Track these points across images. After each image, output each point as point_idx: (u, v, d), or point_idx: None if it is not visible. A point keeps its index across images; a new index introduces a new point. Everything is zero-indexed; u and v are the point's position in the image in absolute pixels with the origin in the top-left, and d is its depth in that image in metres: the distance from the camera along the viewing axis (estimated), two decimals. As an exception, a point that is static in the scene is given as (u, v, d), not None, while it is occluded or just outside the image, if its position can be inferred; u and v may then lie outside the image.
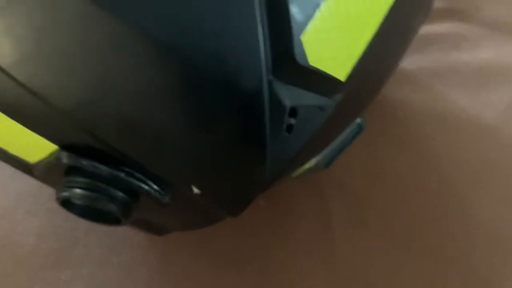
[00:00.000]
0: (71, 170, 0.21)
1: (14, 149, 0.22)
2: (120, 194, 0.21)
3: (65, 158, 0.20)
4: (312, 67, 0.19)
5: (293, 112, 0.20)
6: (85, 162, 0.20)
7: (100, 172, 0.20)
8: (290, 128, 0.20)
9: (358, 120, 0.28)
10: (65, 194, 0.21)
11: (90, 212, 0.22)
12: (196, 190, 0.21)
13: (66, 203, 0.22)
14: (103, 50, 0.17)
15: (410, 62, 0.38)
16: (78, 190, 0.20)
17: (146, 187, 0.21)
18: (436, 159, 0.34)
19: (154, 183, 0.21)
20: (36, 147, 0.21)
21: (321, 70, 0.19)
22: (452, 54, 0.38)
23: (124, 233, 0.33)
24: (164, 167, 0.20)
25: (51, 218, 0.34)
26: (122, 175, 0.20)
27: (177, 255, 0.33)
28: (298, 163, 0.24)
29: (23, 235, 0.34)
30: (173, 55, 0.17)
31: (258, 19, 0.17)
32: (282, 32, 0.18)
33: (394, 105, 0.36)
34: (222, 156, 0.20)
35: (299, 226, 0.33)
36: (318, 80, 0.19)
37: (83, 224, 0.34)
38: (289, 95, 0.19)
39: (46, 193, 0.35)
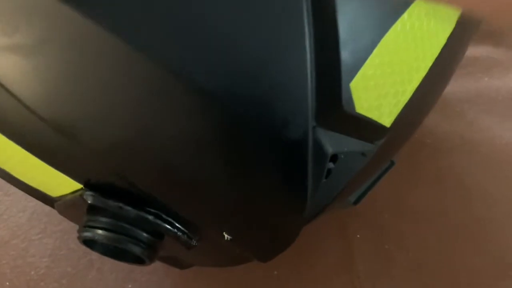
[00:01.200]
0: (94, 209, 0.20)
1: (36, 183, 0.21)
2: (145, 235, 0.19)
3: (90, 198, 0.19)
4: (359, 114, 0.18)
5: (333, 157, 0.19)
6: (111, 203, 0.19)
7: (126, 213, 0.19)
8: (328, 173, 0.19)
9: None
10: (88, 234, 0.20)
11: (113, 252, 0.21)
12: (227, 237, 0.20)
13: (88, 242, 0.21)
14: (143, 94, 0.16)
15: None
16: (101, 232, 0.19)
17: (174, 230, 0.20)
18: (465, 191, 0.33)
19: (182, 226, 0.20)
20: (59, 184, 0.20)
21: (367, 118, 0.18)
22: (483, 79, 0.36)
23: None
24: (197, 213, 0.19)
25: (65, 240, 0.33)
26: (150, 217, 0.19)
27: (192, 285, 0.32)
28: (332, 207, 0.24)
29: (36, 256, 0.33)
30: (218, 104, 0.16)
31: (309, 67, 0.16)
32: (331, 78, 0.17)
33: (422, 132, 0.35)
34: (259, 204, 0.19)
35: (320, 259, 0.32)
36: (362, 127, 0.19)
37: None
38: (331, 141, 0.18)
39: (59, 215, 0.34)
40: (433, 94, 0.24)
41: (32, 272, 0.32)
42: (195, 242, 0.20)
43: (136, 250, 0.20)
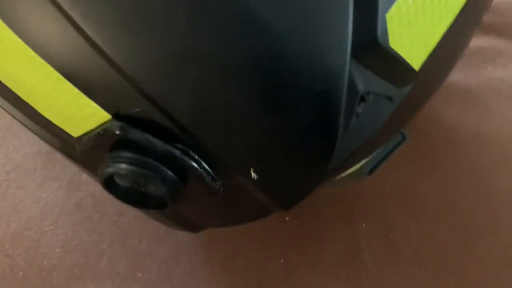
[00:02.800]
0: (119, 145, 0.19)
1: (59, 119, 0.20)
2: (170, 173, 0.19)
3: (117, 128, 0.18)
4: (392, 50, 0.18)
5: (361, 99, 0.19)
6: (138, 134, 0.18)
7: (153, 147, 0.18)
8: (356, 116, 0.19)
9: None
10: (110, 170, 0.19)
11: (134, 195, 0.20)
12: (254, 175, 0.20)
13: (109, 183, 0.20)
14: (187, 13, 0.16)
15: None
16: (125, 166, 0.18)
17: (200, 169, 0.19)
18: (472, 180, 0.33)
19: (209, 166, 0.19)
20: (84, 117, 0.19)
21: (399, 55, 0.18)
22: (486, 69, 0.37)
23: (149, 247, 0.33)
24: (227, 146, 0.19)
25: (76, 231, 0.34)
26: (178, 153, 0.18)
27: (202, 272, 0.32)
28: (354, 160, 0.24)
29: (48, 247, 0.33)
30: (261, 28, 0.16)
31: None
32: (368, 7, 0.17)
33: (427, 122, 0.35)
34: (290, 140, 0.19)
35: (327, 248, 0.32)
36: (393, 67, 0.19)
37: (109, 237, 0.33)
38: (362, 79, 0.18)
39: (72, 204, 0.35)
40: (456, 49, 0.25)
41: (45, 262, 0.33)
42: (219, 185, 0.20)
43: (160, 188, 0.19)
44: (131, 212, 0.34)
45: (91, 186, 0.35)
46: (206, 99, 0.17)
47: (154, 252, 0.33)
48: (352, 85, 0.18)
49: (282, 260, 0.32)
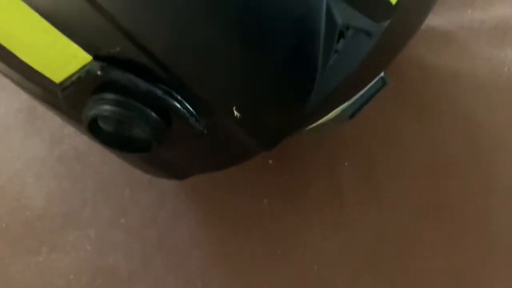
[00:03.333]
0: (102, 87, 0.19)
1: (39, 64, 0.20)
2: (154, 115, 0.19)
3: (99, 69, 0.18)
4: None
5: (340, 35, 0.19)
6: (120, 74, 0.18)
7: (135, 87, 0.18)
8: (336, 53, 0.19)
9: (381, 73, 0.28)
10: (93, 112, 0.19)
11: (119, 138, 0.21)
12: (236, 113, 0.20)
13: (93, 127, 0.20)
14: None
15: (423, 21, 0.37)
16: (108, 107, 0.18)
17: (183, 110, 0.19)
18: (451, 120, 0.33)
19: (192, 107, 0.19)
20: (65, 60, 0.19)
21: None
22: (466, 11, 0.37)
23: (133, 195, 0.33)
24: (208, 84, 0.19)
25: (59, 182, 0.34)
26: (159, 92, 0.18)
27: (185, 218, 0.32)
28: (336, 100, 0.24)
29: (31, 198, 0.33)
30: None
31: None
32: None
33: (407, 65, 0.35)
34: (269, 75, 0.19)
35: (309, 189, 0.32)
36: (373, 1, 0.19)
37: (92, 186, 0.33)
38: (342, 13, 0.18)
39: (55, 157, 0.34)
40: None
41: (28, 213, 0.33)
42: (202, 127, 0.20)
43: (144, 130, 0.19)
44: (115, 162, 0.34)
45: (73, 139, 0.35)
46: (182, 34, 0.17)
47: (137, 200, 0.33)
48: (330, 17, 0.18)
49: (265, 201, 0.32)
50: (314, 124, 0.25)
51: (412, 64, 0.35)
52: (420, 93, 0.35)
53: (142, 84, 0.18)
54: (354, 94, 0.25)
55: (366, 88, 0.27)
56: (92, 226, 0.32)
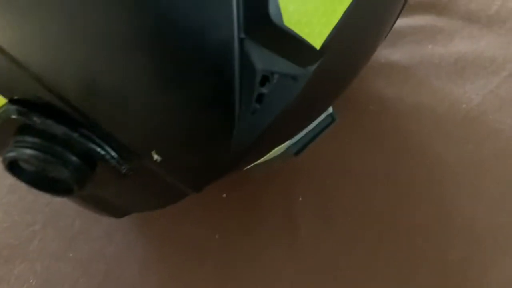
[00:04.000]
0: (21, 130, 0.19)
1: None
2: (74, 158, 0.19)
3: (14, 112, 0.18)
4: (287, 28, 0.17)
5: (265, 80, 0.18)
6: (36, 118, 0.18)
7: (53, 131, 0.18)
8: (261, 98, 0.19)
9: (330, 110, 0.27)
10: (12, 154, 0.19)
11: (40, 179, 0.20)
12: (156, 157, 0.19)
13: (13, 167, 0.20)
14: None
15: (383, 55, 0.37)
16: (27, 151, 0.18)
17: (103, 152, 0.19)
18: (409, 154, 0.33)
19: (113, 150, 0.19)
20: None
21: (296, 33, 0.18)
22: (427, 46, 0.37)
23: (83, 226, 0.32)
24: (124, 129, 0.19)
25: (9, 212, 0.33)
26: (76, 136, 0.18)
27: (135, 251, 0.31)
28: (267, 143, 0.23)
29: (-22, 229, 0.32)
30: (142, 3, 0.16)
31: None
32: None
33: (366, 98, 0.35)
34: (186, 120, 0.18)
35: (264, 221, 0.32)
36: (293, 46, 0.18)
37: (42, 218, 0.33)
38: (262, 59, 0.18)
39: (3, 186, 0.34)
40: (369, 33, 0.24)
41: (-27, 244, 0.32)
42: (125, 168, 0.20)
43: (64, 173, 0.19)
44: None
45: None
46: (93, 79, 0.17)
47: (87, 232, 0.32)
48: (248, 63, 0.17)
49: (217, 236, 0.31)
50: (255, 163, 0.25)
51: (371, 97, 0.35)
52: (379, 126, 0.34)
53: (58, 128, 0.18)
54: (291, 135, 0.25)
55: (312, 126, 0.26)
56: (39, 259, 0.31)
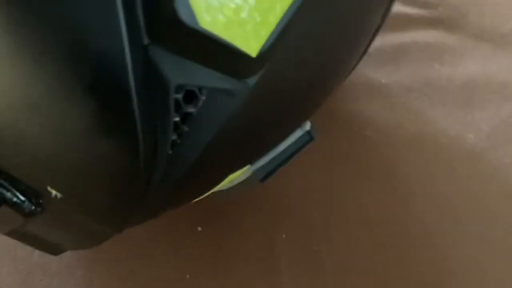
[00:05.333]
0: None
1: None
2: None
3: None
4: (204, 29, 0.14)
5: (191, 96, 0.15)
6: None
7: None
8: (186, 118, 0.16)
9: (307, 127, 0.23)
10: None
11: None
12: (54, 193, 0.17)
13: None
14: None
15: (382, 74, 0.33)
16: None
17: (4, 192, 0.17)
18: (405, 188, 0.30)
19: (13, 187, 0.17)
20: None
21: (216, 36, 0.14)
22: (433, 66, 0.33)
23: (42, 259, 0.29)
24: (14, 163, 0.16)
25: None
26: None
27: (97, 282, 0.28)
28: (207, 174, 0.20)
29: None
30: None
31: None
32: None
33: (362, 123, 0.32)
34: (79, 146, 0.16)
35: (242, 262, 0.29)
36: (219, 53, 0.15)
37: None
38: (178, 70, 0.14)
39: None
40: (333, 44, 0.20)
41: None
42: (30, 207, 0.18)
43: None
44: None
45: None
46: None
47: (46, 266, 0.29)
48: (157, 75, 0.14)
49: (188, 276, 0.28)
50: (217, 189, 0.21)
51: (367, 123, 0.32)
52: (374, 156, 0.31)
53: None
54: (242, 162, 0.22)
55: (282, 147, 0.23)
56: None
